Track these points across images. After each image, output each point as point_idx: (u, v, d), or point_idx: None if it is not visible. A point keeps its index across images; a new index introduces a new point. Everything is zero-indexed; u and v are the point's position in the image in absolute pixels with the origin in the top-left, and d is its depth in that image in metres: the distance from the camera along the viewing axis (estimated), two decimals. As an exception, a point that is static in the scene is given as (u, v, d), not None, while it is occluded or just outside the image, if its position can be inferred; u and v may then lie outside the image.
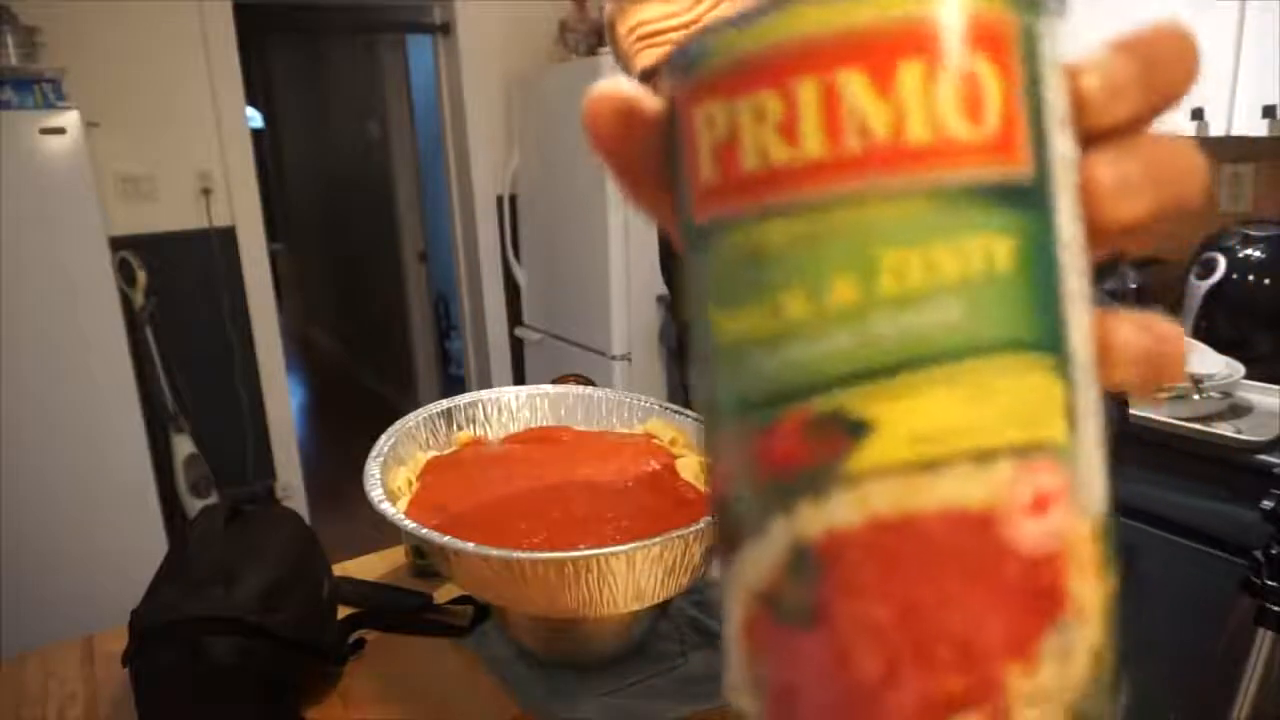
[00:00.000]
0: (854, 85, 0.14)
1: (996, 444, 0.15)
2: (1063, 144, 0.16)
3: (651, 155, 0.18)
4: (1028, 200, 0.15)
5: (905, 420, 0.14)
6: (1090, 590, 0.16)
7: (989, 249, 0.14)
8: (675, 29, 0.64)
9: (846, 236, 0.15)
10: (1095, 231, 0.16)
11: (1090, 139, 0.17)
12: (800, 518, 0.15)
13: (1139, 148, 0.17)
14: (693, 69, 0.16)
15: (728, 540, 0.17)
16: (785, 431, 0.15)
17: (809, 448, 0.15)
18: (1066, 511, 0.15)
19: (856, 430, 0.15)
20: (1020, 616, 0.15)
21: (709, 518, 0.18)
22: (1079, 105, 0.16)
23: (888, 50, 0.14)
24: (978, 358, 0.14)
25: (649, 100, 0.18)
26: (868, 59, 0.14)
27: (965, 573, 0.15)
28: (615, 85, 0.19)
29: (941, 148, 0.14)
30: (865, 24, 0.14)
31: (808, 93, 0.15)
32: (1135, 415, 1.72)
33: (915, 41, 0.14)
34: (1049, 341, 0.15)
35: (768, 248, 0.15)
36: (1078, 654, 0.16)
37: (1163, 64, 0.17)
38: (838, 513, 0.15)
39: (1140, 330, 0.17)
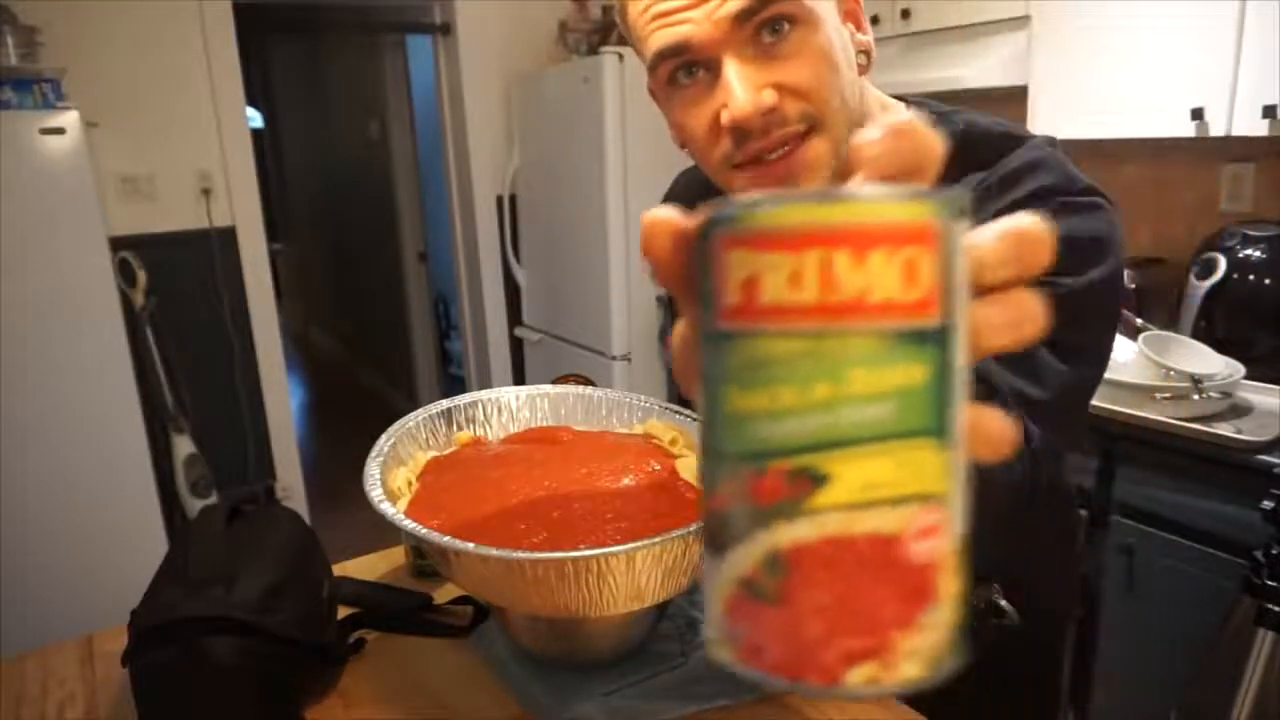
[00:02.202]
0: (841, 259, 0.22)
1: (906, 493, 0.23)
2: (964, 299, 0.24)
3: (685, 263, 0.25)
4: (939, 340, 0.23)
5: (852, 476, 0.23)
6: (950, 587, 0.24)
7: (912, 371, 0.23)
8: (690, 7, 0.62)
9: (827, 357, 0.22)
10: (974, 351, 0.24)
11: (979, 292, 0.24)
12: (776, 533, 0.23)
13: (1008, 300, 0.25)
14: (730, 224, 0.23)
15: (718, 543, 0.25)
16: (771, 477, 0.23)
17: (787, 488, 0.23)
18: (942, 537, 0.23)
19: (820, 480, 0.23)
20: (908, 602, 0.23)
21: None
22: (973, 271, 0.24)
23: (863, 240, 0.22)
24: (900, 440, 0.23)
25: (688, 222, 0.25)
26: (851, 243, 0.22)
27: (877, 574, 0.23)
28: (667, 213, 0.26)
29: (891, 306, 0.22)
30: (850, 221, 0.22)
31: (811, 260, 0.22)
32: (1135, 416, 1.72)
33: (881, 236, 0.22)
34: (942, 430, 0.23)
35: (772, 355, 0.23)
36: (938, 626, 0.23)
37: (1028, 248, 0.25)
38: (802, 531, 0.23)
39: (996, 420, 0.25)
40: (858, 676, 0.23)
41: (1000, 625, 0.76)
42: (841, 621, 0.23)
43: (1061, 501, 0.91)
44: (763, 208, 0.23)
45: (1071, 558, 1.01)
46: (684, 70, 0.65)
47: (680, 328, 0.27)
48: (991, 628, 0.76)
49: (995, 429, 0.25)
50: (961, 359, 0.24)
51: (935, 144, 0.26)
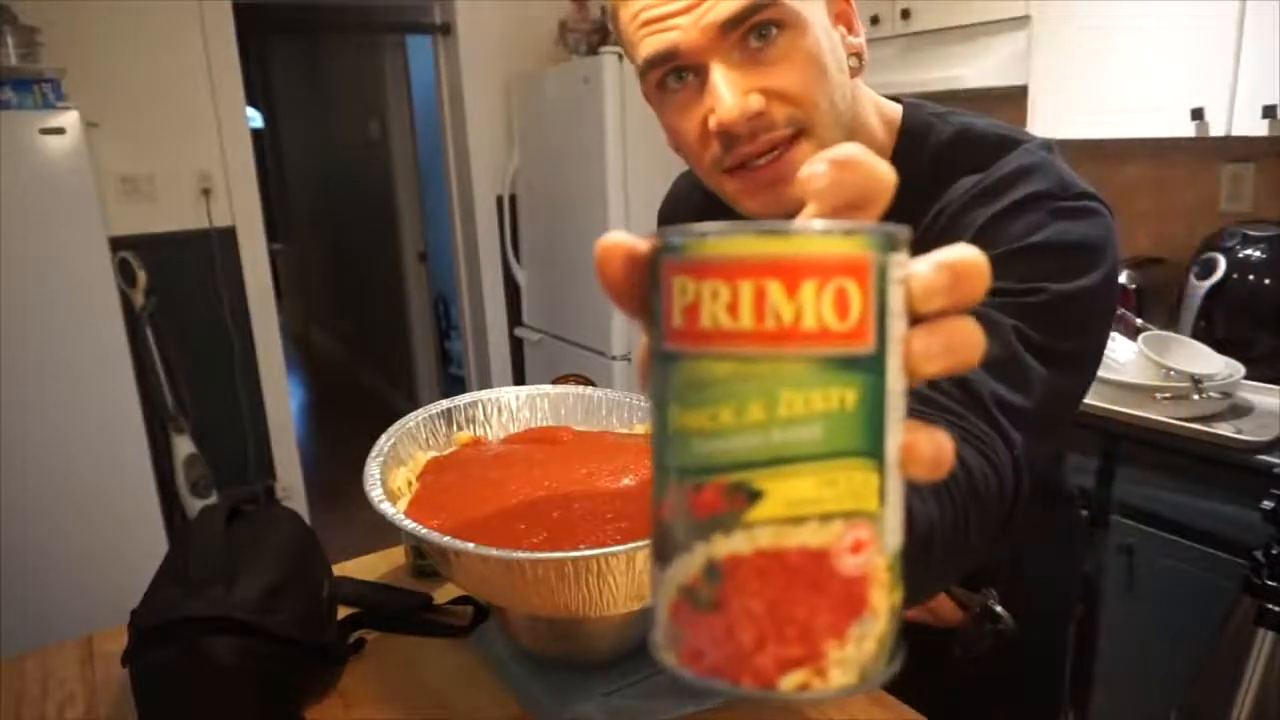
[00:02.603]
0: (774, 289, 0.23)
1: (835, 510, 0.24)
2: (898, 327, 0.25)
3: (639, 285, 0.27)
4: (870, 366, 0.24)
5: (783, 493, 0.24)
6: (882, 600, 0.25)
7: (843, 395, 0.24)
8: (677, 13, 0.62)
9: (761, 379, 0.24)
10: (911, 376, 0.25)
11: (915, 320, 0.25)
12: (714, 544, 0.24)
13: (942, 328, 0.26)
14: (675, 251, 0.25)
15: (663, 552, 0.26)
16: (710, 491, 0.24)
17: (724, 503, 0.24)
18: (872, 552, 0.25)
19: (754, 496, 0.24)
20: (839, 613, 0.24)
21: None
22: (908, 300, 0.25)
23: (796, 270, 0.23)
24: (829, 460, 0.24)
25: (641, 246, 0.26)
26: (783, 274, 0.23)
27: (808, 585, 0.24)
28: (620, 237, 0.27)
29: (822, 333, 0.23)
30: (784, 253, 0.24)
31: (746, 289, 0.23)
32: (1136, 416, 1.72)
33: (813, 268, 0.23)
34: (873, 451, 0.24)
35: (712, 377, 0.24)
36: (870, 638, 0.25)
37: (964, 279, 0.25)
38: (737, 544, 0.24)
39: (931, 442, 0.26)
40: (791, 682, 0.24)
41: (996, 631, 0.76)
42: (774, 629, 0.24)
43: (1062, 502, 0.91)
44: (705, 238, 0.24)
45: (1072, 558, 1.01)
46: (673, 75, 0.65)
47: (642, 345, 0.28)
48: (988, 634, 0.76)
49: (930, 450, 0.26)
50: (895, 384, 0.25)
51: (883, 175, 0.26)
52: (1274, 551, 1.42)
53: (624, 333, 2.88)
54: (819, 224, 0.25)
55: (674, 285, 0.25)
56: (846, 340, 0.24)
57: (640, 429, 0.89)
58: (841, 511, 0.24)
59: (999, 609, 0.76)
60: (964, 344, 0.26)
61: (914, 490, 0.31)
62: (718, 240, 0.24)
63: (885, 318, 0.24)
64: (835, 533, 0.24)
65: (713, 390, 0.24)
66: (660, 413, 0.26)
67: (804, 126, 0.65)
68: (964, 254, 0.25)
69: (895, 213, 0.27)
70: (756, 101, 0.63)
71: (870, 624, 0.24)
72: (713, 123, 0.64)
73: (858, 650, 0.24)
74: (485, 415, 0.89)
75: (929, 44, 2.40)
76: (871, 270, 0.24)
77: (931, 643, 0.69)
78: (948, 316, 0.26)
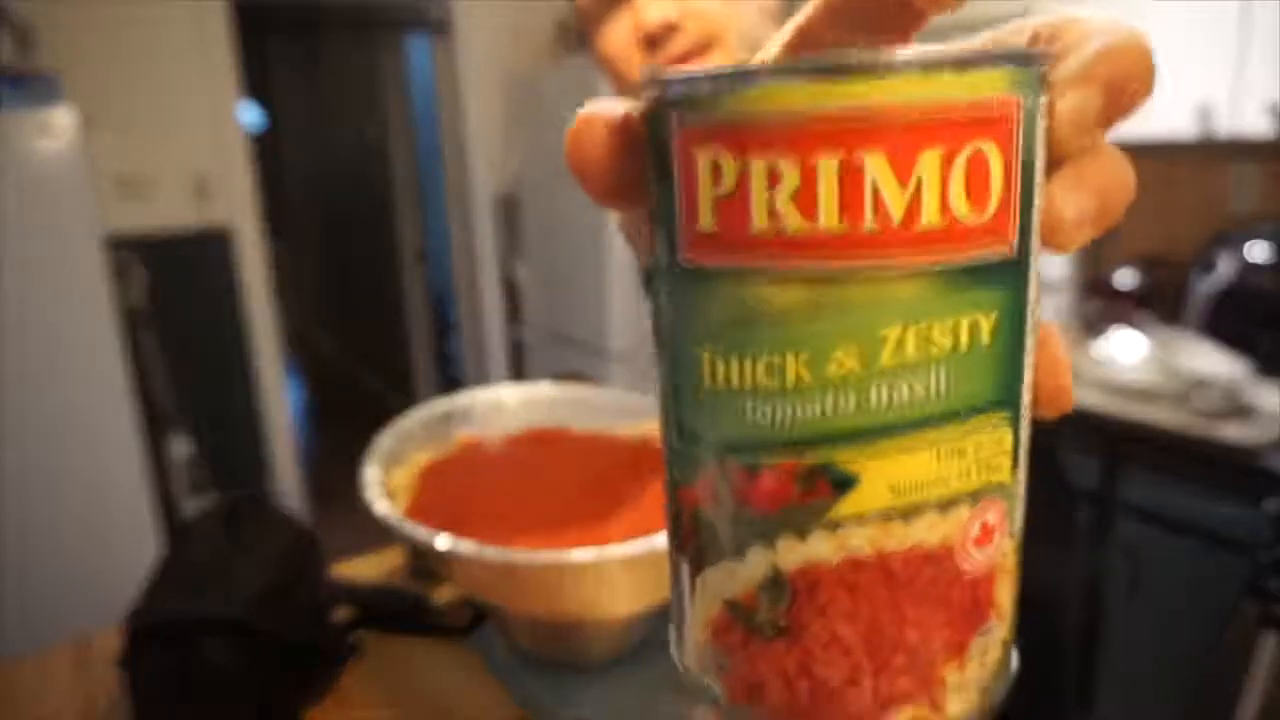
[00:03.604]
0: (876, 168, 0.15)
1: (959, 491, 0.17)
2: (1040, 199, 0.17)
3: (634, 163, 0.18)
4: (1011, 273, 0.16)
5: (886, 475, 0.16)
6: (1008, 594, 0.18)
7: (976, 324, 0.16)
8: None
9: (853, 310, 0.15)
10: (1048, 253, 0.18)
11: (1051, 166, 0.17)
12: (779, 551, 0.17)
13: (1090, 175, 0.18)
14: (694, 108, 0.16)
15: (697, 550, 0.19)
16: (773, 477, 0.17)
17: (795, 493, 0.17)
18: (1002, 535, 0.18)
19: (843, 483, 0.16)
20: (959, 626, 0.18)
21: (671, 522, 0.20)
22: (1053, 145, 0.17)
23: (910, 135, 0.15)
24: (954, 421, 0.16)
25: (631, 110, 0.18)
26: (890, 143, 0.15)
27: (921, 597, 0.17)
28: (606, 105, 0.19)
29: (950, 232, 0.15)
30: (890, 106, 0.15)
31: (828, 169, 0.15)
32: (1140, 416, 1.72)
33: (935, 129, 0.15)
34: (1009, 398, 0.17)
35: (770, 308, 0.16)
36: (994, 646, 0.18)
37: (1125, 88, 0.17)
38: (816, 550, 0.17)
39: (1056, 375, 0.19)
40: None
41: None
42: (873, 661, 0.17)
43: (1064, 501, 0.90)
44: (744, 84, 0.15)
45: (1074, 558, 1.01)
46: (607, 10, 0.77)
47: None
48: None
49: (1065, 378, 0.19)
50: (1034, 290, 0.17)
51: None
52: (1278, 553, 1.42)
53: (623, 332, 2.87)
54: (937, 52, 0.16)
55: (699, 165, 0.16)
56: (984, 238, 0.16)
57: (640, 429, 0.88)
58: (969, 491, 0.17)
59: None
60: (1116, 188, 0.18)
61: None
62: (771, 87, 0.15)
63: (1031, 193, 0.16)
64: (959, 522, 0.17)
65: (773, 329, 0.16)
66: (679, 357, 0.18)
67: (716, 40, 0.73)
68: (1111, 43, 0.17)
69: None
70: (673, 9, 0.72)
71: (995, 629, 0.18)
72: (637, 32, 0.74)
73: (980, 666, 0.18)
74: (484, 415, 0.89)
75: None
76: (1020, 124, 0.16)
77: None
78: (1091, 151, 0.18)
